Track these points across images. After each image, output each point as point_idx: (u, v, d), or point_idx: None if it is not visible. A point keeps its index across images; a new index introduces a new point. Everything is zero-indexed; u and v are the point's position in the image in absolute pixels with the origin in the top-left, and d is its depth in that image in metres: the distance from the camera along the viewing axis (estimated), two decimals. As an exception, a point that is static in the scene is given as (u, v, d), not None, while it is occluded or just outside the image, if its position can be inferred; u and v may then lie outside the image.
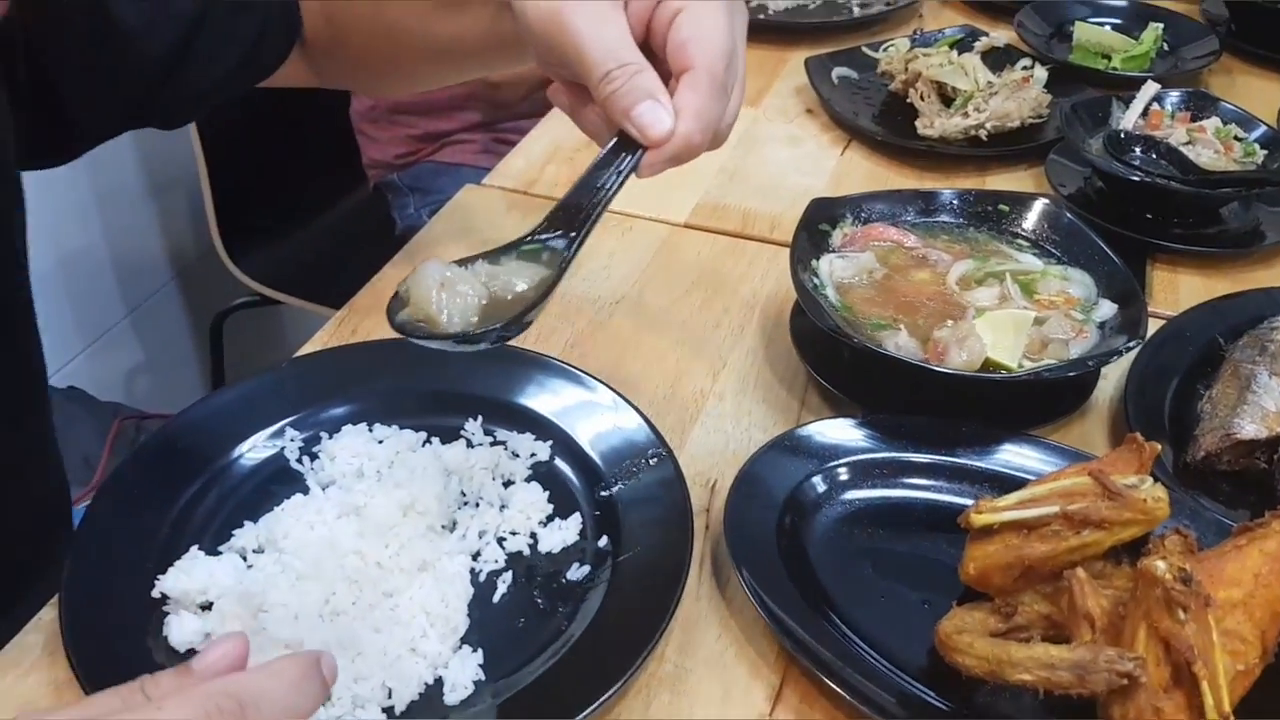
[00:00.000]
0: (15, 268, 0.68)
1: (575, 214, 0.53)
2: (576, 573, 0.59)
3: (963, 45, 1.12)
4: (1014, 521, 0.57)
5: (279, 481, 0.63)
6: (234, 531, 0.59)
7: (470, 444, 0.67)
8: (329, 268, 1.57)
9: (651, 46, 0.54)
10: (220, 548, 0.58)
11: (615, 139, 0.53)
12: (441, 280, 0.51)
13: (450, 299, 0.50)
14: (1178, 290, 0.84)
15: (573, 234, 0.52)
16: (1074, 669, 0.52)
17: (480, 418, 0.68)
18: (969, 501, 0.58)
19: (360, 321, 0.80)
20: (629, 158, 0.53)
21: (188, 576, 0.55)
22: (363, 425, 0.67)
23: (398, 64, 0.78)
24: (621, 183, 0.53)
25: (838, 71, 1.11)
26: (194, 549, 0.57)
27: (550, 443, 0.67)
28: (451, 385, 0.70)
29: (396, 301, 0.51)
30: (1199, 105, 0.97)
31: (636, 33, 0.54)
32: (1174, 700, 0.51)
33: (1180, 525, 0.56)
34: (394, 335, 0.52)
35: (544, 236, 0.53)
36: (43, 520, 0.73)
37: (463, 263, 0.52)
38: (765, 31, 1.23)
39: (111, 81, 0.69)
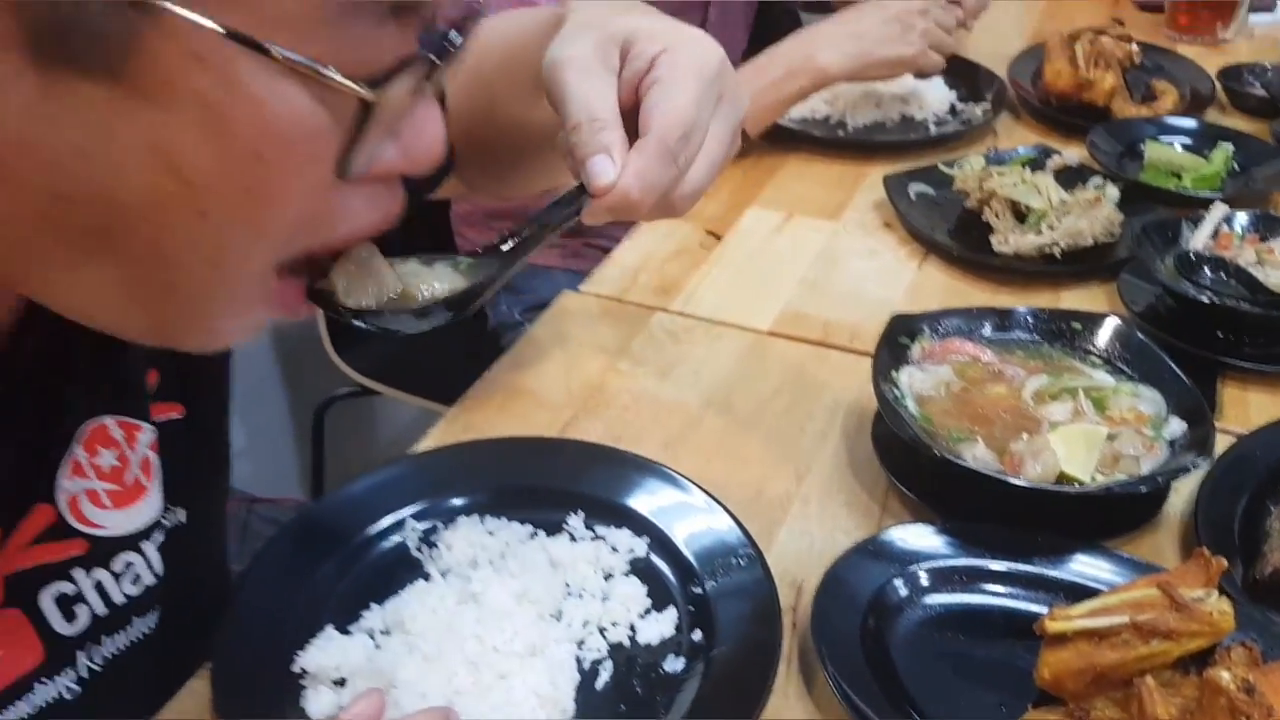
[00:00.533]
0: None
1: (516, 235, 0.59)
2: (673, 664, 0.64)
3: (1036, 163, 1.17)
4: (1086, 630, 0.60)
5: (402, 567, 0.69)
6: (363, 612, 0.65)
7: (573, 538, 0.72)
8: (425, 361, 1.66)
9: (630, 98, 0.63)
10: (351, 627, 0.64)
11: (577, 184, 0.61)
12: (360, 259, 0.55)
13: (358, 280, 0.55)
14: (1248, 408, 0.87)
15: (506, 251, 0.59)
16: (1146, 773, 0.55)
17: (582, 513, 0.74)
18: (1044, 609, 0.62)
19: (470, 418, 0.86)
20: (577, 202, 0.60)
21: (323, 654, 0.61)
22: (475, 517, 0.73)
23: (513, 159, 0.85)
24: (565, 219, 0.61)
25: (915, 188, 1.17)
26: (329, 628, 0.63)
27: (647, 539, 0.72)
28: (556, 482, 0.76)
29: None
30: (1268, 227, 1.01)
31: (626, 96, 0.62)
32: (1241, 807, 0.54)
33: (1247, 638, 0.59)
34: (503, 435, 0.57)
35: (483, 256, 0.59)
36: (204, 592, 0.80)
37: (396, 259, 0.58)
38: (844, 148, 1.29)
39: None
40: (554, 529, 0.72)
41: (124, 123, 0.45)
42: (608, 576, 0.70)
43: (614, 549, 0.72)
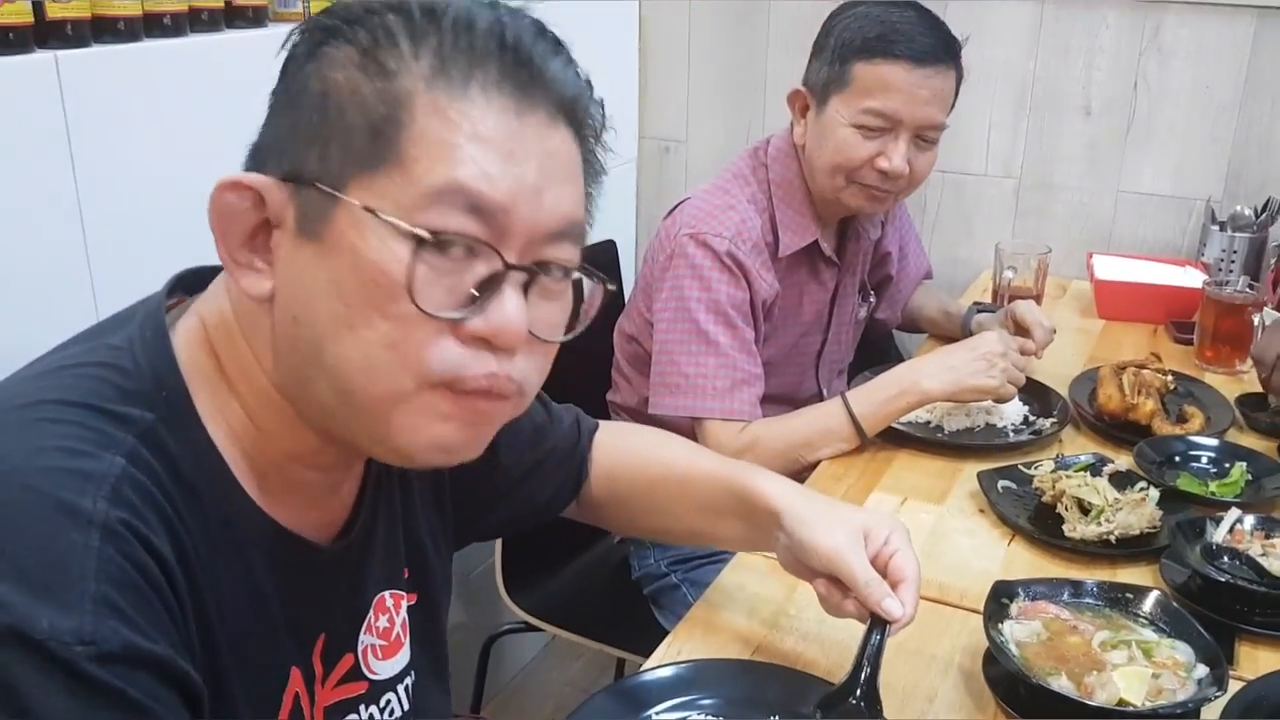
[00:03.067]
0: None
1: (858, 674, 0.98)
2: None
3: (1094, 469, 1.50)
4: (1142, 798, 0.91)
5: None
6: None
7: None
8: (581, 604, 1.99)
9: (875, 565, 1.04)
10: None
11: (870, 621, 1.01)
12: None
13: None
14: (1257, 661, 1.18)
15: (860, 689, 0.97)
16: None
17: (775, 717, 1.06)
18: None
19: (681, 645, 1.19)
20: (881, 631, 1.01)
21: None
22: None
23: (661, 530, 1.26)
24: (882, 645, 1.00)
25: (1001, 482, 1.52)
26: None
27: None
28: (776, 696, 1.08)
29: None
30: (1270, 526, 1.34)
31: (878, 564, 1.05)
32: None
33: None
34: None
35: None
36: None
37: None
38: (942, 448, 1.66)
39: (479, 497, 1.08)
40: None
41: (320, 266, 0.72)
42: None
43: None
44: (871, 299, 2.05)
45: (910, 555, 1.05)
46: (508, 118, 0.72)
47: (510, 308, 0.73)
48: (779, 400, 1.83)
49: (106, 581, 0.65)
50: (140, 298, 0.84)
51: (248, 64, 1.61)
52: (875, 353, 2.17)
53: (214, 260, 0.79)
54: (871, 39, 1.65)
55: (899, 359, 1.98)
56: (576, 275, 0.79)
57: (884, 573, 1.04)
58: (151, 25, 1.52)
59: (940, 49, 1.67)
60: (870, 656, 1.00)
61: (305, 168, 0.72)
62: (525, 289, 0.74)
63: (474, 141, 0.71)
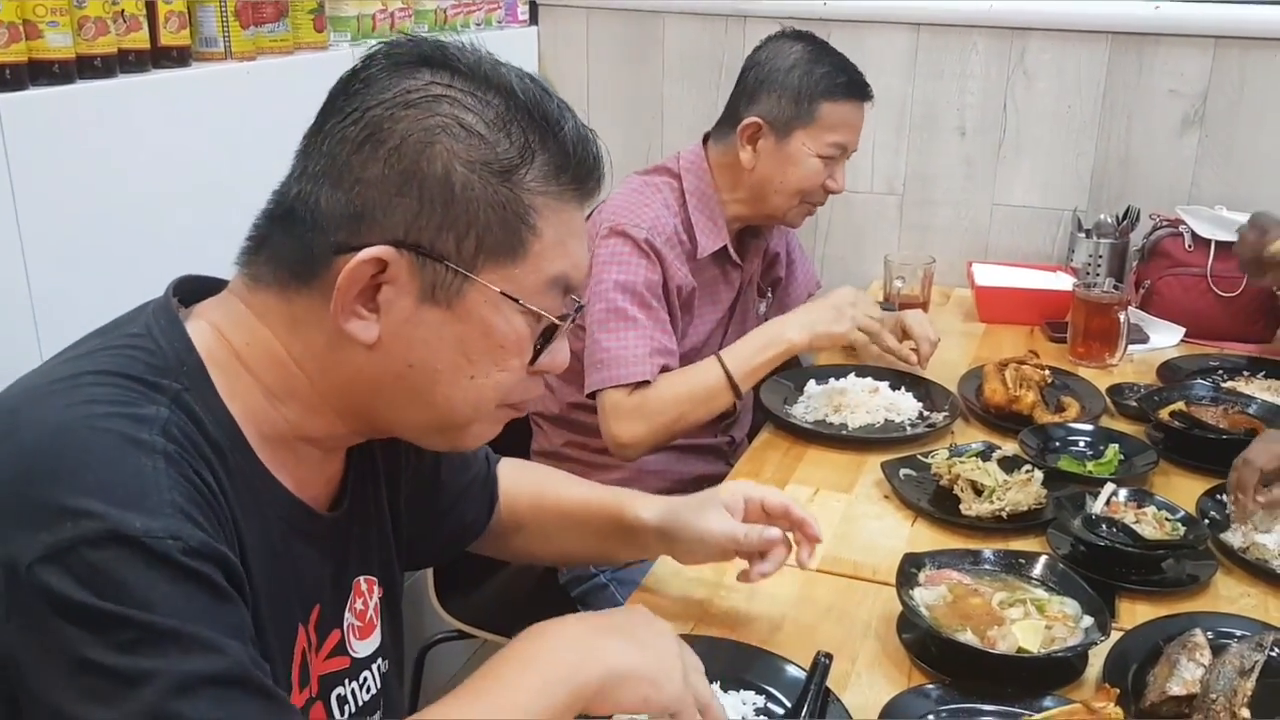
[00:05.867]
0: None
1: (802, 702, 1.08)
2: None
3: (984, 455, 1.64)
4: (1043, 729, 1.04)
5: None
6: None
7: (724, 691, 1.15)
8: (509, 611, 2.06)
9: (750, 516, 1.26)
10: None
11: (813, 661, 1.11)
12: None
13: None
14: (1135, 613, 1.33)
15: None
16: (1079, 799, 0.98)
17: (717, 683, 1.16)
18: (1016, 720, 1.06)
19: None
20: (824, 670, 1.10)
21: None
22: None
23: (558, 555, 1.44)
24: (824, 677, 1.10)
25: (903, 471, 1.65)
26: None
27: (765, 696, 1.15)
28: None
29: None
30: (1141, 498, 1.50)
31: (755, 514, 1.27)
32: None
33: (1132, 730, 1.03)
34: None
35: None
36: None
37: None
38: (848, 443, 1.79)
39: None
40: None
41: (447, 329, 0.87)
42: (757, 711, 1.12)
43: (743, 701, 1.14)
44: (769, 296, 2.23)
45: (763, 490, 1.29)
46: (582, 210, 0.92)
47: (565, 350, 0.96)
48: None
49: (178, 493, 0.76)
50: (81, 328, 0.92)
51: (174, 101, 1.69)
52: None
53: (156, 290, 0.92)
54: (840, 84, 1.93)
55: (798, 362, 2.12)
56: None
57: (768, 515, 1.27)
58: (84, 67, 1.58)
59: (869, 89, 1.97)
60: (816, 685, 1.09)
61: (437, 247, 0.85)
62: None
63: (573, 238, 0.91)
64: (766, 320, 2.18)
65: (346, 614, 1.00)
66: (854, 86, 1.95)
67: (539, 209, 0.87)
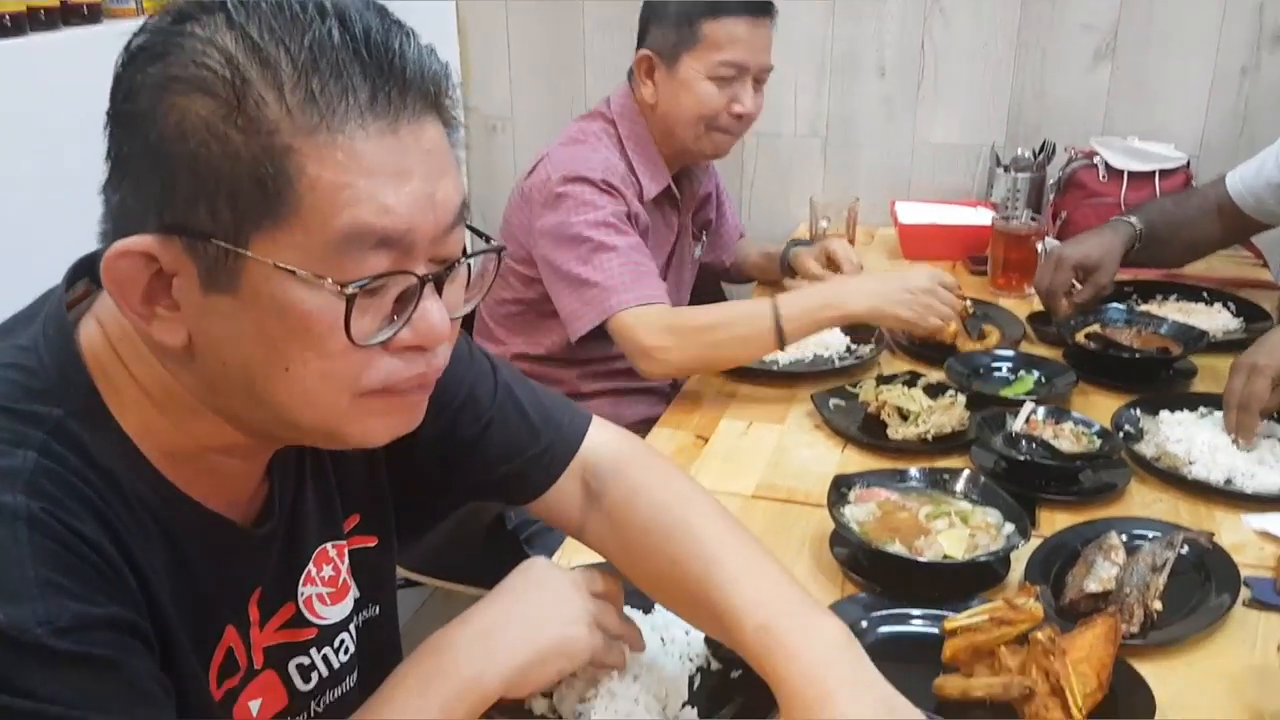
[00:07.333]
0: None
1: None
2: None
3: (910, 382, 1.70)
4: (967, 626, 1.09)
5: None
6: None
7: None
8: (460, 557, 2.07)
9: None
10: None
11: None
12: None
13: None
14: (1055, 523, 1.38)
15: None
16: (1004, 688, 1.03)
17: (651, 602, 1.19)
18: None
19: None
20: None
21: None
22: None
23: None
24: None
25: (833, 401, 1.70)
26: None
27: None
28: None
29: None
30: (1059, 415, 1.56)
31: None
32: (1054, 702, 1.02)
33: (1051, 625, 1.09)
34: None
35: None
36: (389, 659, 1.00)
37: None
38: (779, 378, 1.83)
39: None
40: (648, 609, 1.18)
41: (243, 317, 0.73)
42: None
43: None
44: (704, 238, 2.25)
45: None
46: (386, 138, 0.72)
47: (434, 315, 0.77)
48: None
49: (43, 565, 0.69)
50: None
51: (85, 59, 1.66)
52: (708, 299, 2.33)
53: (72, 252, 0.84)
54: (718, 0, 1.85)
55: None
56: (470, 260, 0.83)
57: None
58: (-7, 25, 1.55)
59: (766, 2, 1.90)
60: None
61: (194, 224, 0.72)
62: (437, 287, 0.78)
63: (365, 176, 0.71)
64: (700, 264, 2.22)
65: (304, 588, 0.96)
66: (734, 3, 1.87)
67: (303, 151, 0.70)
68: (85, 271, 0.86)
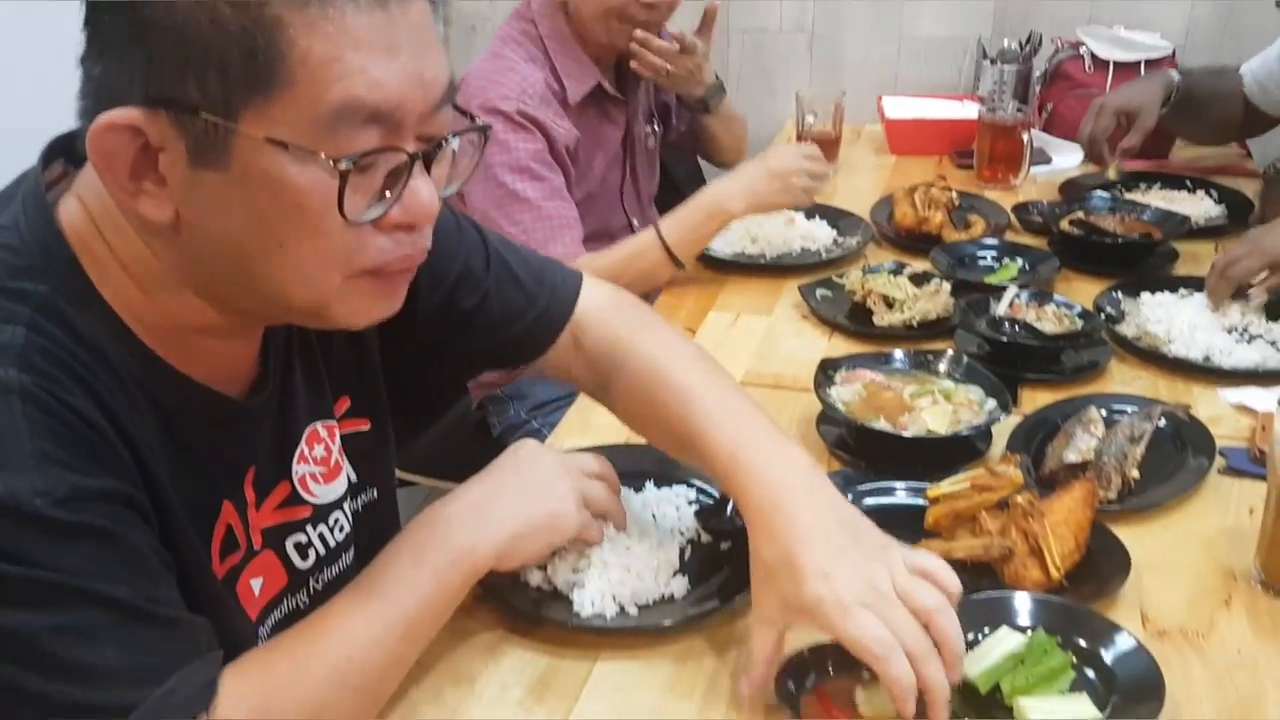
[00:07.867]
0: None
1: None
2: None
3: (896, 272, 1.72)
4: (949, 493, 1.12)
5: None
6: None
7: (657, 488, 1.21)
8: (444, 457, 2.10)
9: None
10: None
11: None
12: None
13: None
14: (1036, 400, 1.42)
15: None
16: (984, 549, 1.07)
17: (650, 480, 1.22)
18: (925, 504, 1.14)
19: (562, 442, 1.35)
20: None
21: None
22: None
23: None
24: None
25: (820, 292, 1.71)
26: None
27: (696, 489, 1.21)
28: (642, 465, 1.24)
29: None
30: (1041, 298, 1.58)
31: None
32: (1033, 562, 1.06)
33: (1030, 490, 1.12)
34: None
35: None
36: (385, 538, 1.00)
37: None
38: (766, 270, 1.85)
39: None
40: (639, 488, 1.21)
41: (233, 193, 0.73)
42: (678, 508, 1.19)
43: (675, 495, 1.20)
44: (658, 127, 2.20)
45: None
46: (375, 12, 0.72)
47: (424, 193, 0.78)
48: (593, 237, 1.95)
49: (39, 438, 0.71)
50: None
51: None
52: (685, 181, 2.33)
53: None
54: None
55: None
56: (459, 137, 0.83)
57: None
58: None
59: None
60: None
61: (181, 96, 0.71)
62: (426, 165, 0.79)
63: (356, 50, 0.71)
64: (655, 151, 2.19)
65: (298, 466, 0.97)
66: None
67: (294, 24, 0.70)
68: (61, 153, 0.85)
